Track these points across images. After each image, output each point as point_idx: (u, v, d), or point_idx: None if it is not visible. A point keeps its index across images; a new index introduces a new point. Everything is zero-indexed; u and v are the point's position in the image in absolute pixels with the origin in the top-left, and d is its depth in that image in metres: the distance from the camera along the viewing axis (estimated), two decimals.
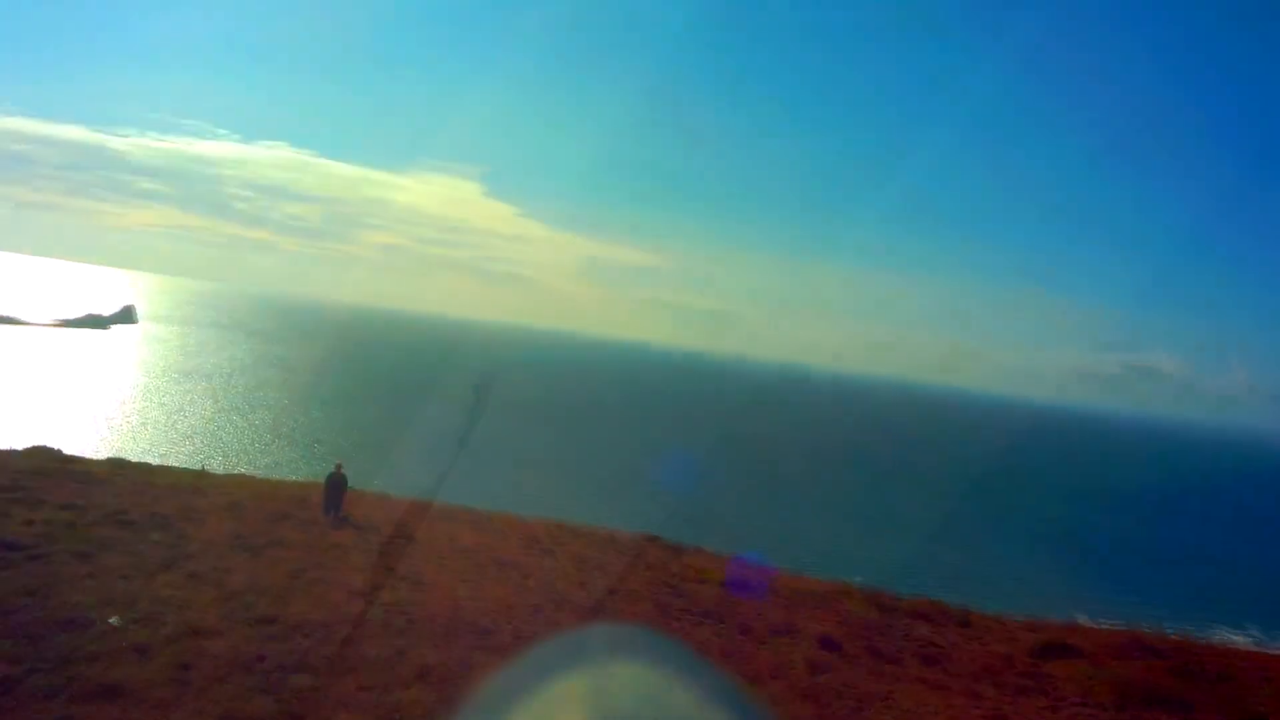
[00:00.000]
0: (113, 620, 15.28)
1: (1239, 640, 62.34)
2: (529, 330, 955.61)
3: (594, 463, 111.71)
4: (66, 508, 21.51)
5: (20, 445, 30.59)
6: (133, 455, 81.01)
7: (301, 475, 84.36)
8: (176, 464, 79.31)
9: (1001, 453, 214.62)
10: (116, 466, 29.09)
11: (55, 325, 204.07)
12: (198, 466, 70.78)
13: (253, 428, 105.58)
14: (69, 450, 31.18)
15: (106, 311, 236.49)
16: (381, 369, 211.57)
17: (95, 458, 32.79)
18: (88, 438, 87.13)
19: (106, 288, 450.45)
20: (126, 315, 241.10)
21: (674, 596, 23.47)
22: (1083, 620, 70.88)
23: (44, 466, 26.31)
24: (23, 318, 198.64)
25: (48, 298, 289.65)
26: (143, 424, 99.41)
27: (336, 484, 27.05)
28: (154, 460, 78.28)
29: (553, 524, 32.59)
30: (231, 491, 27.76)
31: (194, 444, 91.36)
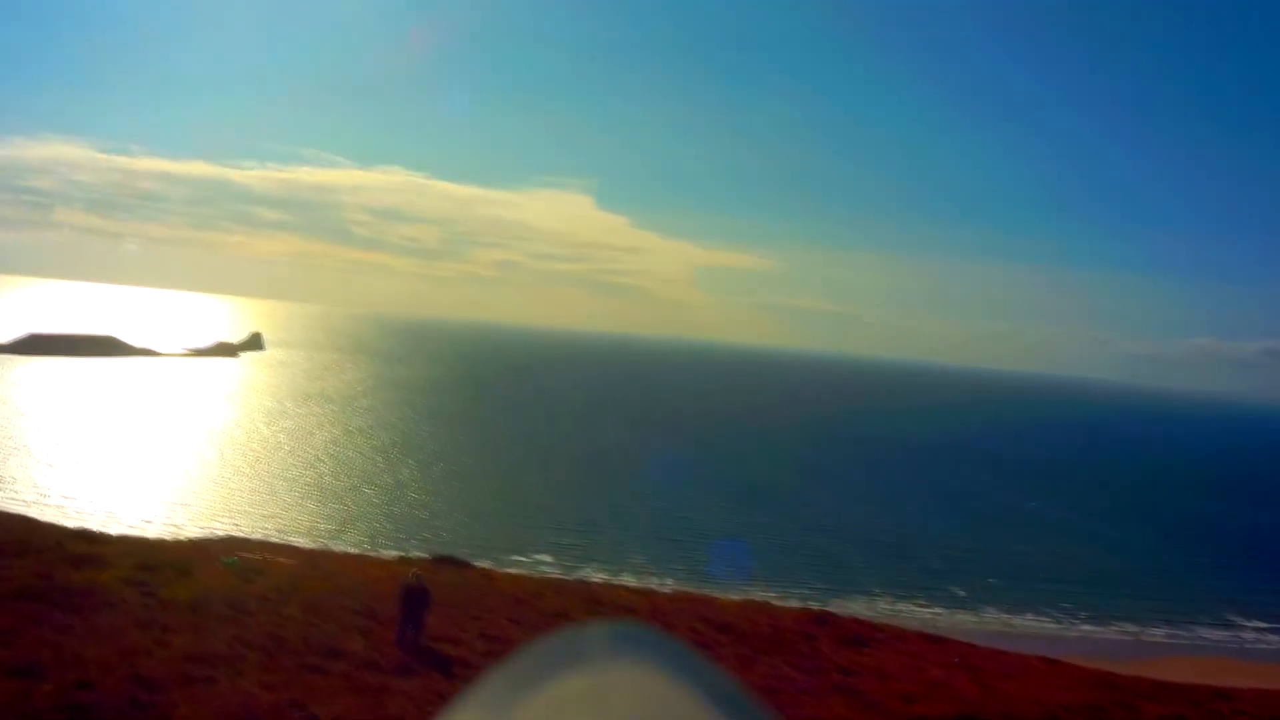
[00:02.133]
0: None
1: None
2: (647, 340, 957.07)
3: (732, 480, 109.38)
4: (15, 674, 14.54)
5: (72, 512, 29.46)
6: (252, 485, 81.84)
7: (425, 494, 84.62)
8: (292, 495, 79.79)
9: (1139, 443, 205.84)
10: (143, 564, 22.41)
11: (188, 354, 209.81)
12: (286, 531, 70.45)
13: (376, 449, 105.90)
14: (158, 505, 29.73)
15: (236, 339, 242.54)
16: (500, 386, 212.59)
17: (136, 534, 31.22)
18: (204, 467, 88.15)
19: (235, 316, 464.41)
20: (254, 342, 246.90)
21: None
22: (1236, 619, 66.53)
23: (41, 578, 19.40)
24: (158, 349, 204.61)
25: (180, 329, 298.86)
26: (275, 447, 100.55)
27: (416, 597, 20.03)
28: (260, 502, 78.63)
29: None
30: (284, 599, 21.35)
31: (321, 469, 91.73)
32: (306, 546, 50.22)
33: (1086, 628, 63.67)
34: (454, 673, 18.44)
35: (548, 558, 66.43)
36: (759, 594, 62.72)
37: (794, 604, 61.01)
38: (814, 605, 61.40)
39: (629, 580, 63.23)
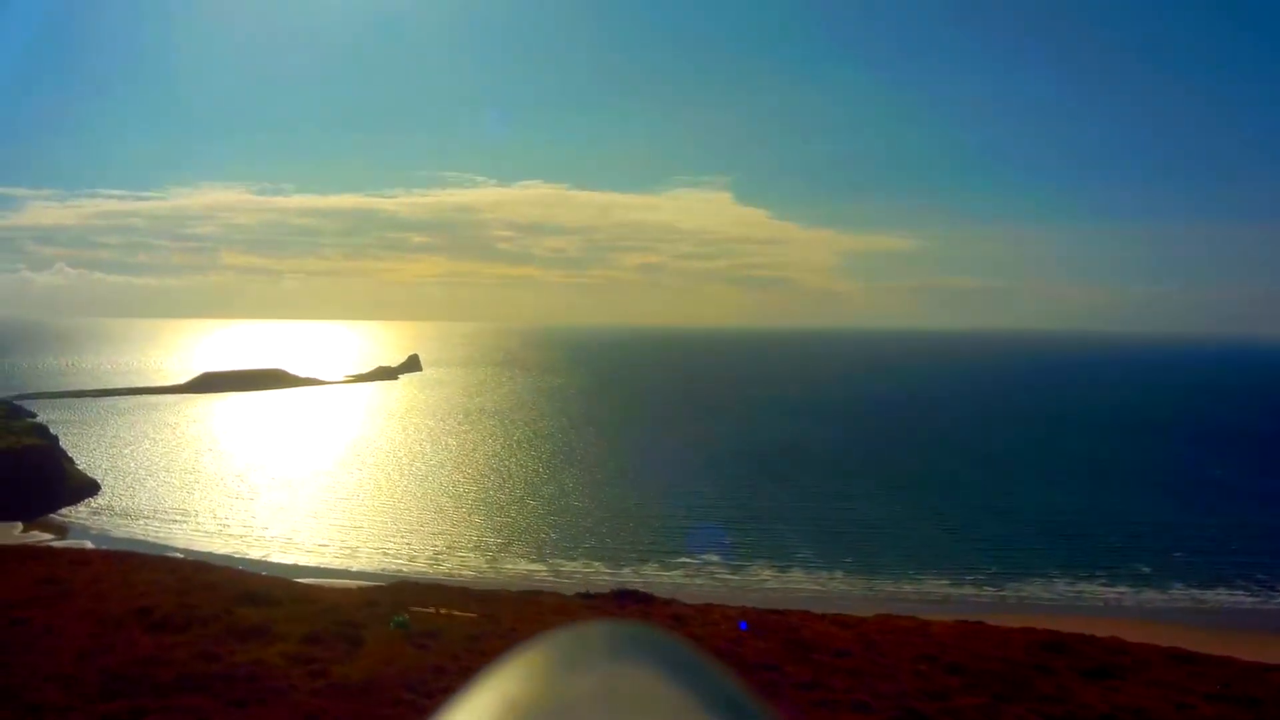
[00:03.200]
0: None
1: None
2: (797, 331, 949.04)
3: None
4: None
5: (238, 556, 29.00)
6: (420, 504, 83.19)
7: (588, 501, 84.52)
8: (459, 511, 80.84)
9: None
10: (311, 634, 20.56)
11: (351, 380, 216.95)
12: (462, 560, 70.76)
13: (537, 459, 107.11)
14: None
15: (394, 363, 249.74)
16: (652, 389, 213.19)
17: (309, 578, 29.95)
18: (374, 489, 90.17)
19: (392, 341, 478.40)
20: (412, 364, 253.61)
21: None
22: None
23: (205, 659, 17.97)
24: (322, 378, 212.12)
25: (342, 357, 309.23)
26: (440, 465, 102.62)
27: None
28: (441, 524, 79.69)
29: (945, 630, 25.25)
30: (462, 670, 18.71)
31: (486, 482, 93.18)
32: (479, 584, 49.98)
33: None
34: None
35: (714, 557, 65.76)
36: (933, 582, 60.88)
37: (969, 587, 58.97)
38: (998, 593, 59.26)
39: (798, 576, 62.20)
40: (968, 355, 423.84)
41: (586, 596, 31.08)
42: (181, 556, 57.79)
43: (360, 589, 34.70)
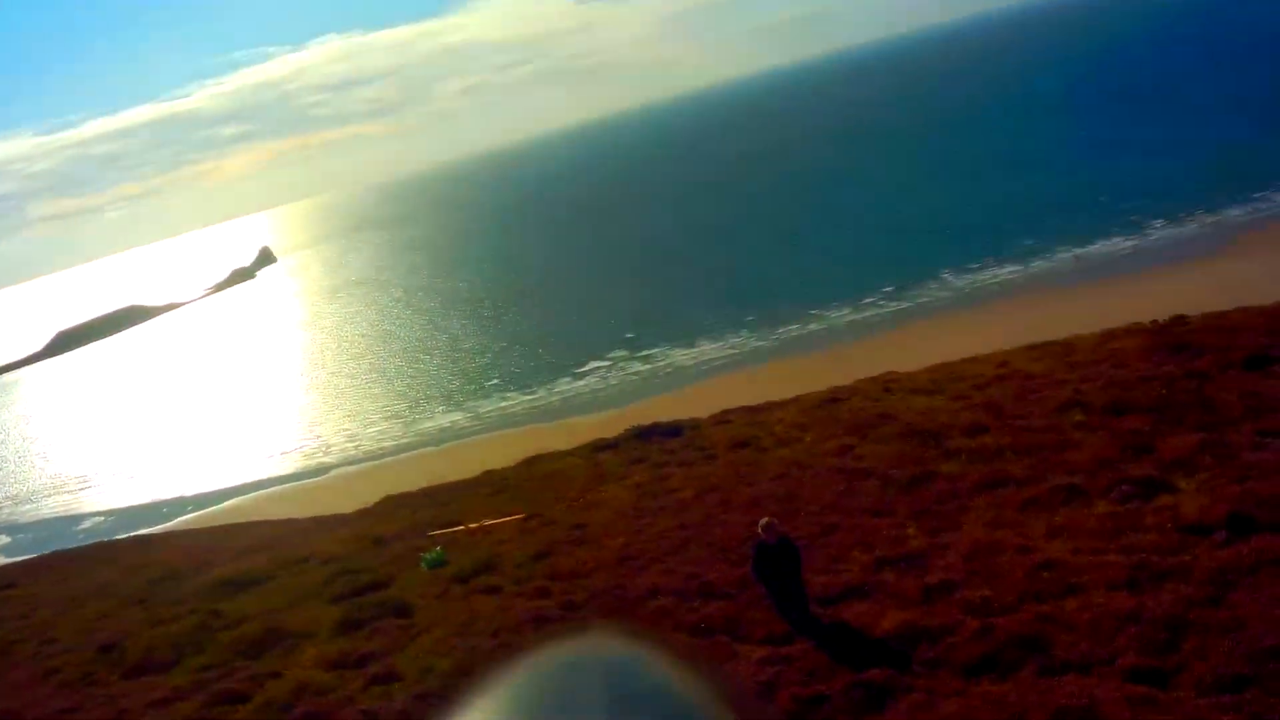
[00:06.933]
0: None
1: None
2: (634, 113, 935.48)
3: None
4: None
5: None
6: (320, 395, 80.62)
7: (481, 339, 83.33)
8: (357, 388, 78.97)
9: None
10: (341, 623, 15.53)
11: (210, 293, 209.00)
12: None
13: (418, 314, 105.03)
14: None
15: (247, 262, 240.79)
16: (509, 210, 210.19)
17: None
18: (270, 398, 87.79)
19: (239, 240, 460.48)
20: (266, 257, 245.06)
21: None
22: None
23: (224, 707, 13.32)
24: (180, 299, 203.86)
25: (193, 272, 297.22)
26: (323, 349, 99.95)
27: (780, 558, 12.98)
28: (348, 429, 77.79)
29: None
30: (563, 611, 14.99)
31: (375, 352, 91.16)
32: (436, 463, 46.33)
33: (1165, 232, 61.32)
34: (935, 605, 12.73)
35: (622, 352, 65.79)
36: (836, 313, 61.61)
37: (871, 310, 59.80)
38: (900, 306, 60.13)
39: (707, 347, 62.46)
40: (808, 87, 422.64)
41: (603, 447, 24.59)
42: (111, 538, 54.92)
43: (337, 521, 28.10)
